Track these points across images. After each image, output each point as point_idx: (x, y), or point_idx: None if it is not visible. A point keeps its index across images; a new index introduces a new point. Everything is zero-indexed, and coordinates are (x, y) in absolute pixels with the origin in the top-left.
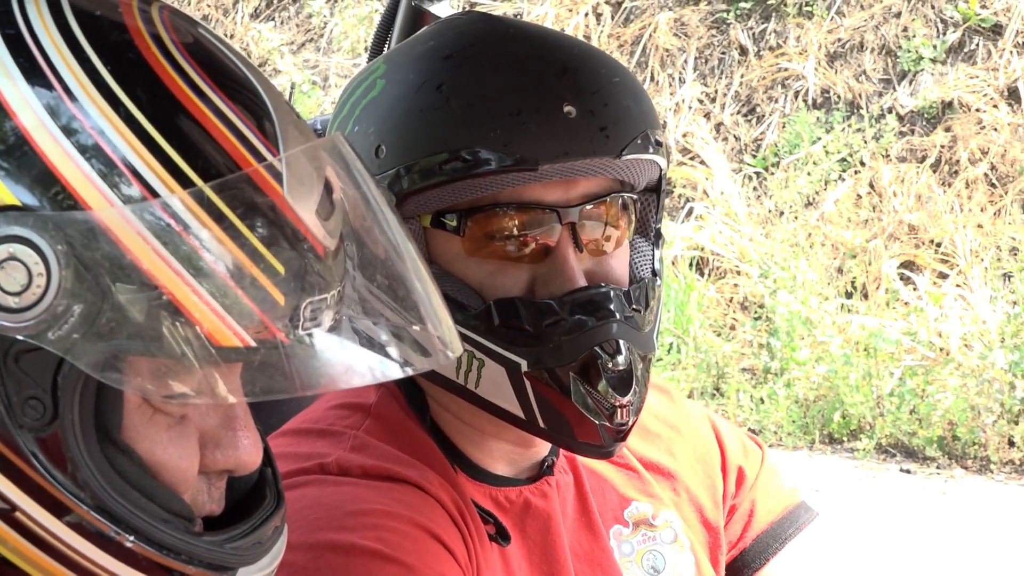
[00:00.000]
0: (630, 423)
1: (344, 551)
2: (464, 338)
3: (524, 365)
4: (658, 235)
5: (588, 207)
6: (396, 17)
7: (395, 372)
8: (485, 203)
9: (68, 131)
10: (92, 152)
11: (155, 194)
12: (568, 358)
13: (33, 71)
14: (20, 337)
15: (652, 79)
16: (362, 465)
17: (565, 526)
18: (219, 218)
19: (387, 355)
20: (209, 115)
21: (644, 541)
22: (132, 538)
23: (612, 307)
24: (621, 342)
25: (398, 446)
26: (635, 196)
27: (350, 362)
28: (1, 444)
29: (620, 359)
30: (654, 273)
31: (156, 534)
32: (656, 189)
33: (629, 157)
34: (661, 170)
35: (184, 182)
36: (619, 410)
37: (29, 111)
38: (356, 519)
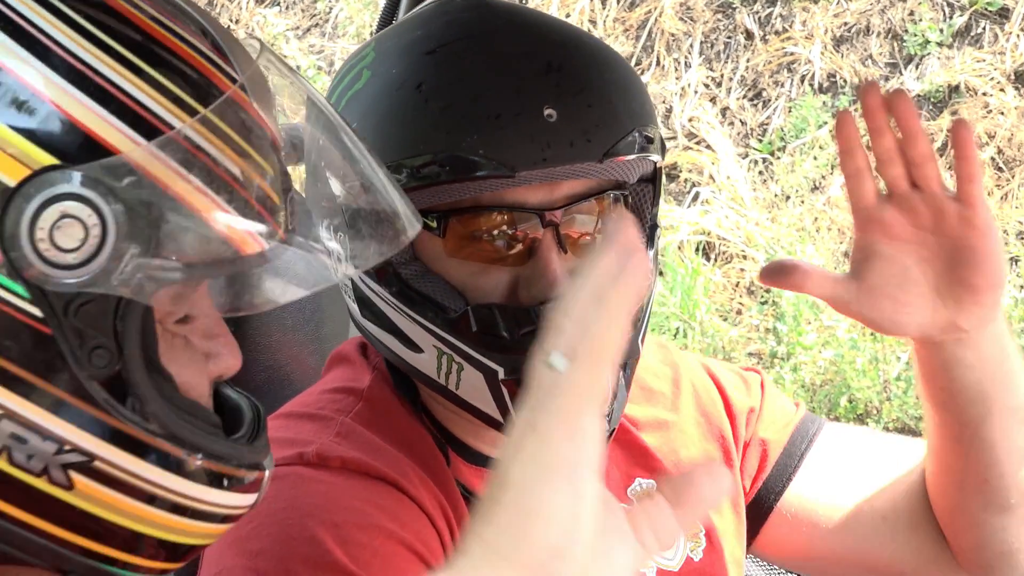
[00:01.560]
0: (609, 432)
1: (313, 565)
2: (443, 341)
3: (501, 372)
4: (653, 228)
5: (573, 208)
6: (400, 1)
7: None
8: (466, 205)
9: (77, 83)
10: (105, 99)
11: (170, 126)
12: None
13: (21, 34)
14: (83, 290)
15: (658, 63)
16: (342, 456)
17: None
18: (225, 138)
19: (361, 238)
20: (181, 45)
21: None
22: (200, 456)
23: None
24: None
25: (387, 433)
26: (626, 192)
27: (334, 254)
28: (74, 397)
29: None
30: None
31: (213, 447)
32: (652, 180)
33: (613, 160)
34: (655, 164)
35: (189, 111)
36: None
37: (33, 71)
38: (330, 532)
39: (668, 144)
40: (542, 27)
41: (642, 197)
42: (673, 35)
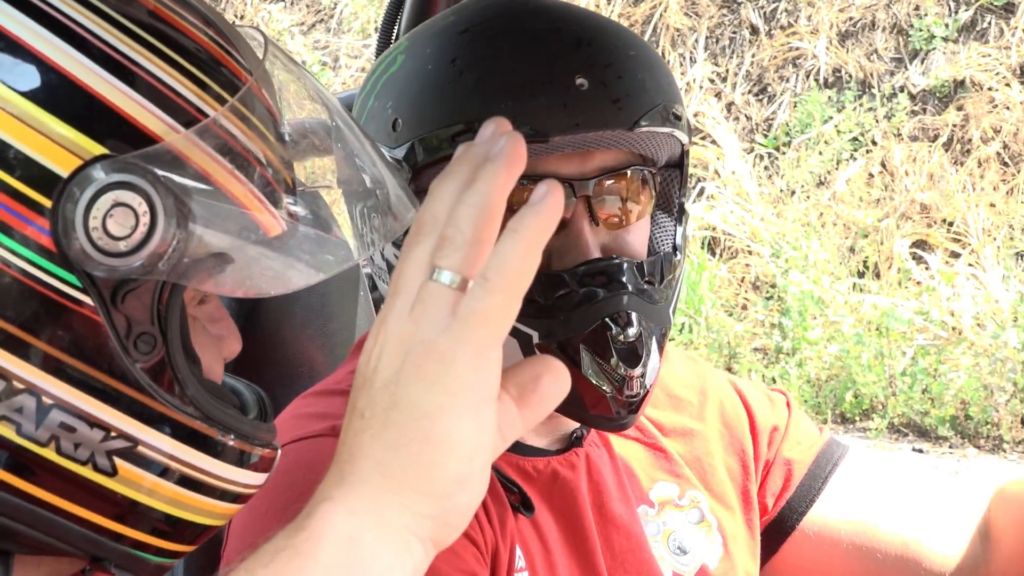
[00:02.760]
0: (642, 395)
1: None
2: None
3: (535, 337)
4: (681, 210)
5: (605, 181)
6: None
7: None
8: None
9: (119, 75)
10: (144, 88)
11: (204, 114)
12: (578, 329)
13: (62, 29)
14: (132, 276)
15: (663, 58)
16: None
17: (601, 499)
18: (251, 125)
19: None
20: (202, 36)
21: (670, 522)
22: (232, 437)
23: (624, 279)
24: (632, 314)
25: None
26: (654, 171)
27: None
28: (120, 383)
29: (631, 331)
30: (675, 249)
31: (241, 427)
32: (679, 165)
33: (643, 130)
34: (683, 145)
35: (219, 99)
36: (629, 381)
37: (78, 65)
38: None
39: None
40: (570, 10)
41: (669, 182)
42: (678, 30)
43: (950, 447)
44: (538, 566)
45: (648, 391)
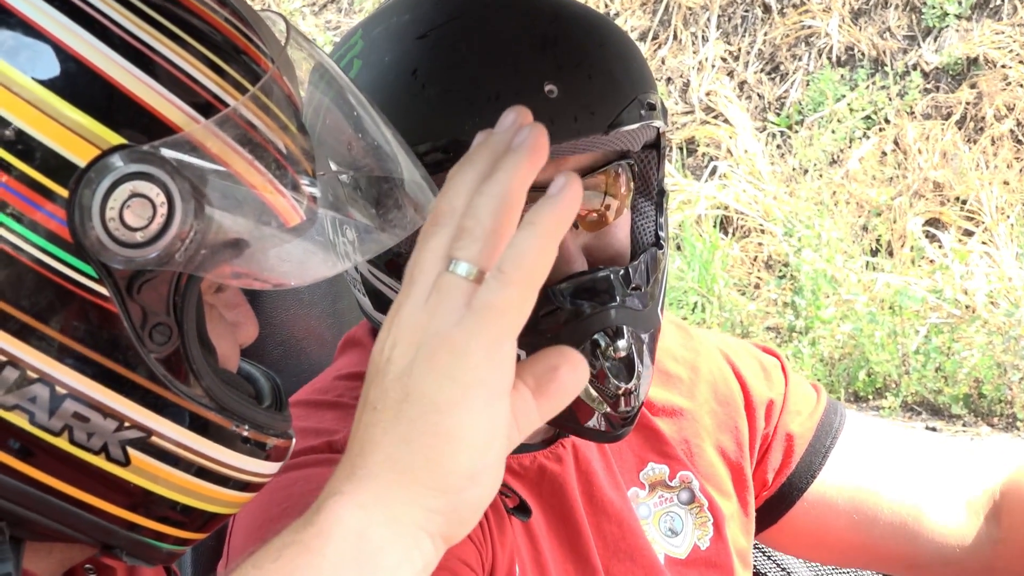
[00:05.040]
0: (636, 408)
1: None
2: None
3: (523, 356)
4: (661, 193)
5: (583, 181)
6: None
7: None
8: None
9: (138, 63)
10: (163, 76)
11: (224, 103)
12: None
13: (81, 15)
14: (149, 267)
15: (675, 37)
16: None
17: (591, 488)
18: (271, 114)
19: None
20: (222, 22)
21: (661, 503)
22: (246, 427)
23: (611, 292)
24: (622, 327)
25: None
26: (631, 161)
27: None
28: (135, 374)
29: (621, 344)
30: (658, 239)
31: (256, 417)
32: (656, 145)
33: (618, 132)
34: (658, 129)
35: (239, 88)
36: (623, 397)
37: (97, 53)
38: None
39: (685, 119)
40: (533, 1)
41: (647, 164)
42: (690, 9)
43: (964, 425)
44: (528, 569)
45: (642, 402)
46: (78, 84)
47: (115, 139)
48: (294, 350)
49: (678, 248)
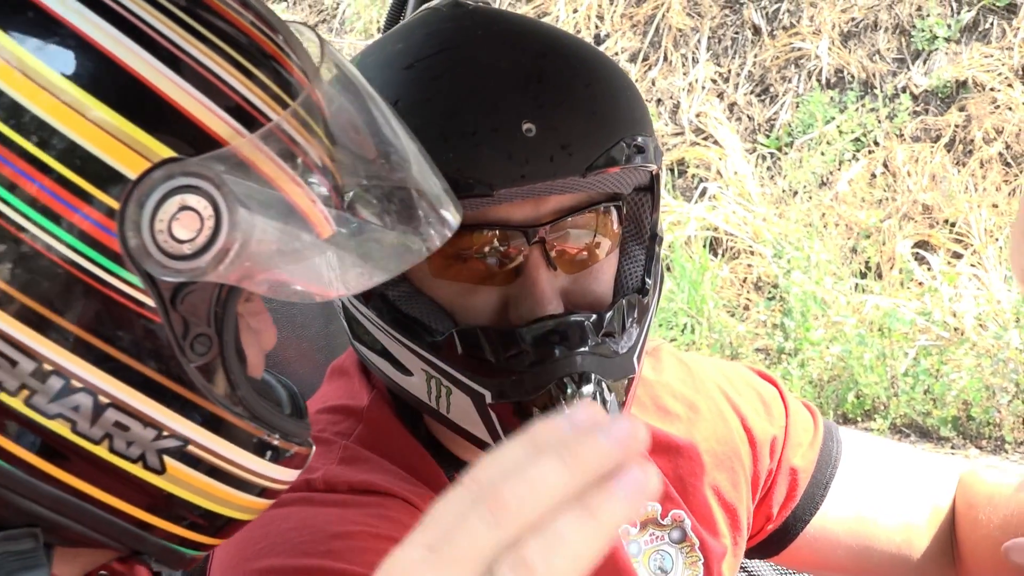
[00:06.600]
0: None
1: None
2: (431, 364)
3: (488, 396)
4: (653, 238)
5: (561, 224)
6: None
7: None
8: None
9: (186, 76)
10: (211, 90)
11: (267, 118)
12: (530, 391)
13: (132, 29)
14: (194, 279)
15: (665, 59)
16: (349, 481)
17: None
18: (309, 129)
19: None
20: (264, 38)
21: (652, 541)
22: (277, 436)
23: (578, 337)
24: (589, 374)
25: (390, 455)
26: (619, 204)
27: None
28: (176, 384)
29: (586, 391)
30: (643, 284)
31: (285, 425)
32: (650, 188)
33: (598, 174)
34: (651, 172)
35: (280, 103)
36: None
37: (146, 65)
38: (342, 542)
39: (675, 140)
40: (525, 36)
41: (639, 207)
42: (680, 30)
43: (952, 448)
44: None
45: None
46: (129, 97)
47: (165, 152)
48: (285, 372)
49: (668, 269)
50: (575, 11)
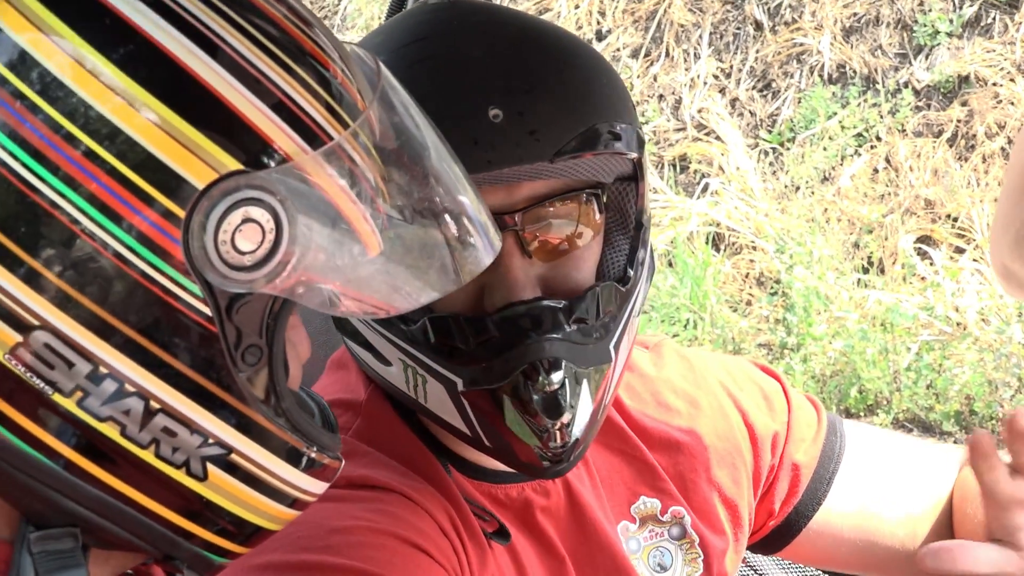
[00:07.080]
0: (570, 444)
1: (330, 572)
2: (406, 353)
3: (460, 384)
4: (639, 227)
5: (536, 210)
6: None
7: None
8: None
9: (255, 91)
10: (277, 105)
11: (329, 136)
12: (500, 378)
13: (204, 41)
14: (252, 291)
15: (667, 54)
16: (347, 476)
17: (579, 520)
18: (365, 149)
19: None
20: (326, 58)
21: (651, 537)
22: (315, 448)
23: (549, 323)
24: (559, 360)
25: (388, 449)
26: (598, 192)
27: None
28: (225, 393)
29: (555, 377)
30: (625, 273)
31: (322, 439)
32: (633, 177)
33: (569, 159)
34: (633, 160)
35: (341, 122)
36: (553, 432)
37: (219, 78)
38: (341, 537)
39: (677, 136)
40: (501, 25)
41: (623, 196)
42: (682, 26)
43: (955, 442)
44: None
45: (580, 439)
46: (202, 108)
47: (232, 163)
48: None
49: (670, 265)
50: (576, 7)
